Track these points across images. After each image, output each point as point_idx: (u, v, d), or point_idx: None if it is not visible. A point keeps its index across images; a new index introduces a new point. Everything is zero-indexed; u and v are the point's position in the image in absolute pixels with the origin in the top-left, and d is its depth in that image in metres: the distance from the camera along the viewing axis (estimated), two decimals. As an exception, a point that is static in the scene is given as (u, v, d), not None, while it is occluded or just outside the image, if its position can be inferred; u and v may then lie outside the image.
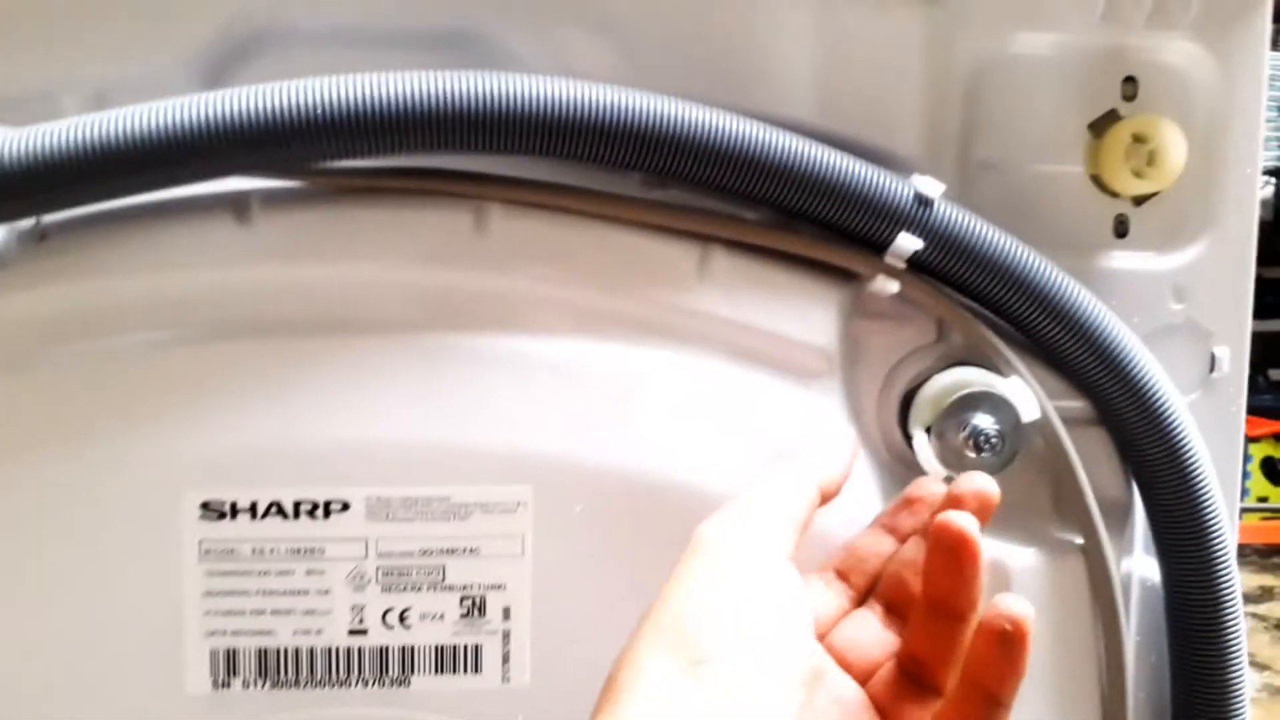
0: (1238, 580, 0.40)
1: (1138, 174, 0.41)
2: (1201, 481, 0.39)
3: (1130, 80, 0.42)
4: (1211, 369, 0.43)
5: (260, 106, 0.33)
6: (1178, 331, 0.42)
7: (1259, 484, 2.79)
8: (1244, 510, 2.69)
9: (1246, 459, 2.76)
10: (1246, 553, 2.12)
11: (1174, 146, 0.40)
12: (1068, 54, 0.41)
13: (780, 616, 0.29)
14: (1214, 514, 0.39)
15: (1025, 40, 0.41)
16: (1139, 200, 0.42)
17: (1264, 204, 3.17)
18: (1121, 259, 0.42)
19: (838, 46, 0.39)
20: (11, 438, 0.35)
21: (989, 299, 0.39)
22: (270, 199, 0.37)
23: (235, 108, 0.33)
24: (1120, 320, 0.40)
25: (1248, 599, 1.96)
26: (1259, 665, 1.61)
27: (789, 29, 0.39)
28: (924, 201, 0.38)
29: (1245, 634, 0.40)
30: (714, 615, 0.28)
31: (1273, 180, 3.09)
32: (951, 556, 0.30)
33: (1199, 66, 0.41)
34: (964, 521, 0.30)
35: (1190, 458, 0.39)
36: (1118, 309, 0.41)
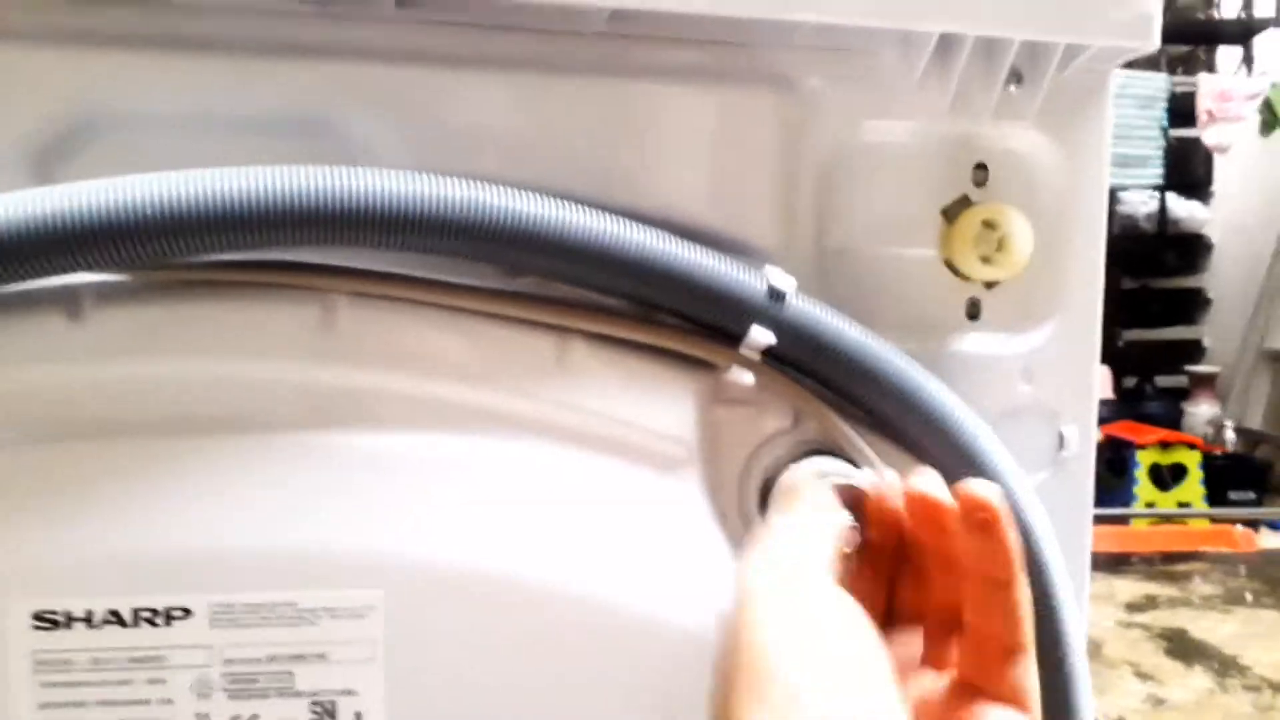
0: (1084, 657, 0.42)
1: (987, 260, 0.42)
2: (1047, 567, 0.40)
3: (981, 167, 0.43)
4: (1060, 447, 0.44)
5: (92, 204, 0.32)
6: (1027, 412, 0.44)
7: (1146, 489, 2.91)
8: (1131, 516, 2.80)
9: (1134, 465, 2.88)
10: (1133, 561, 2.20)
11: (1021, 234, 0.42)
12: (920, 141, 0.42)
13: (860, 644, 0.28)
14: (1058, 598, 0.41)
15: (877, 128, 0.42)
16: (990, 284, 0.43)
17: (1148, 217, 3.30)
18: (973, 341, 0.43)
19: (692, 138, 0.40)
20: None
21: (842, 388, 0.40)
22: (103, 294, 0.35)
23: (64, 205, 0.32)
24: (968, 406, 0.41)
25: (1132, 608, 2.05)
26: (1142, 675, 1.67)
27: (643, 122, 0.39)
28: (777, 295, 0.38)
29: None
30: (802, 660, 0.27)
31: (1157, 195, 3.24)
32: (982, 526, 0.30)
33: (1045, 154, 0.43)
34: (986, 489, 0.30)
35: (1036, 544, 0.40)
36: (969, 390, 0.42)
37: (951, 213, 0.43)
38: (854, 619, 0.29)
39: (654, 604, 0.38)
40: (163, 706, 0.35)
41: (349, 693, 0.36)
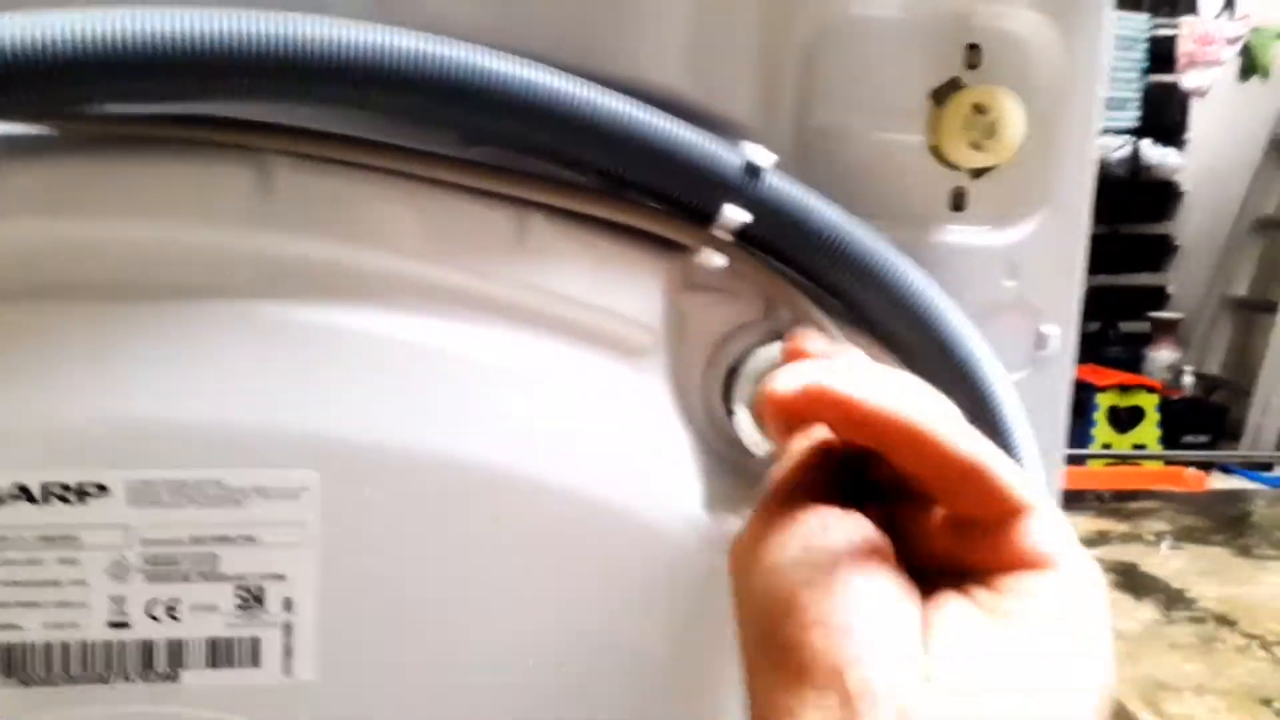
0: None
1: (977, 146, 0.40)
2: (1021, 462, 0.39)
3: (974, 48, 0.40)
4: (1041, 346, 0.42)
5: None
6: (1008, 308, 0.42)
7: (1103, 431, 2.94)
8: (1088, 457, 2.83)
9: (1093, 408, 2.91)
10: (1088, 498, 2.23)
11: (1013, 119, 0.39)
12: (910, 17, 0.39)
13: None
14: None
15: (867, 1, 0.39)
16: (977, 173, 0.41)
17: (1121, 163, 3.30)
18: (957, 233, 0.41)
19: (671, 6, 0.36)
20: None
21: (818, 274, 0.37)
22: (14, 148, 0.32)
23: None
24: (950, 298, 0.38)
25: (1085, 543, 2.07)
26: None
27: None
28: (754, 172, 0.35)
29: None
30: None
31: (1131, 139, 3.22)
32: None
33: (1041, 36, 0.40)
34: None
35: (1013, 441, 0.38)
36: (951, 283, 0.40)
37: (941, 95, 0.40)
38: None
39: (610, 491, 0.35)
40: (75, 588, 0.33)
41: (278, 577, 0.34)
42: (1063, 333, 0.42)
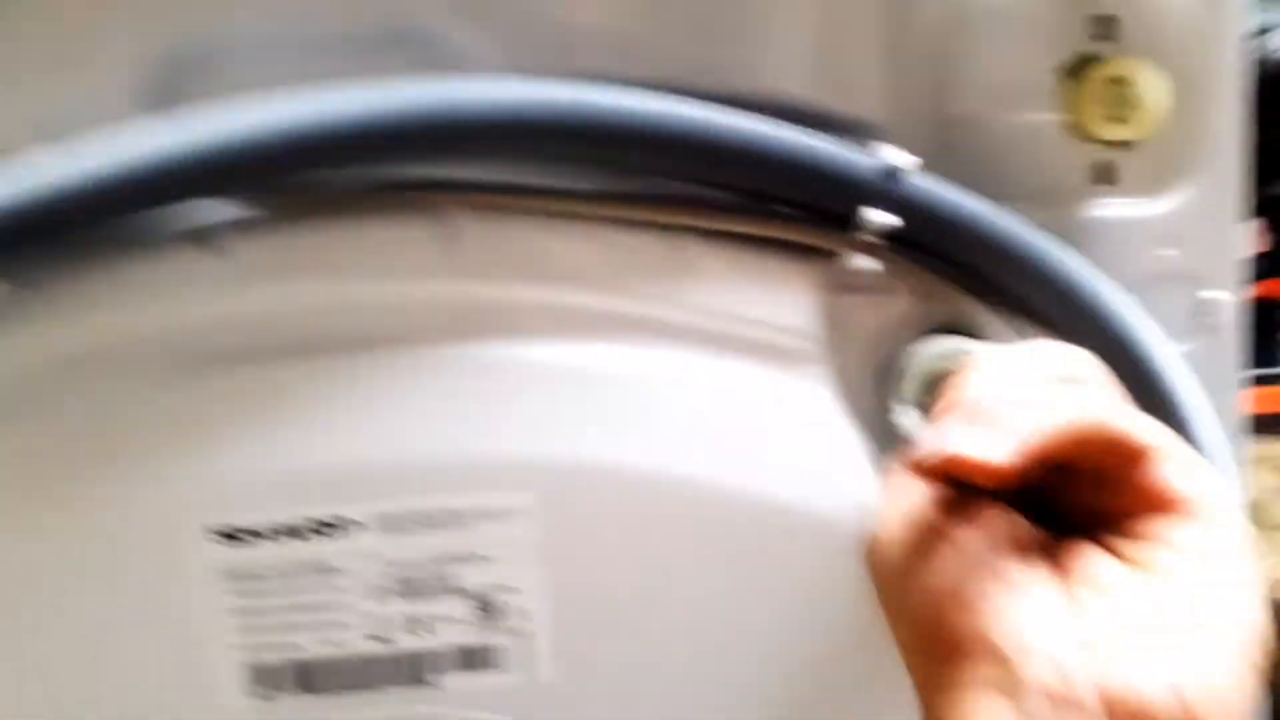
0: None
1: (1118, 119, 0.40)
2: (1200, 433, 0.39)
3: (1106, 20, 0.40)
4: (1206, 314, 0.42)
5: (214, 130, 0.33)
6: (1167, 278, 0.42)
7: None
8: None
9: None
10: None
11: (1155, 89, 0.40)
12: (1041, -3, 0.40)
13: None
14: (1216, 462, 0.39)
15: (994, -14, 0.40)
16: (1121, 146, 0.41)
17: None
18: (1106, 207, 0.42)
19: (794, 16, 0.39)
20: (16, 488, 0.36)
21: (970, 266, 0.39)
22: (237, 225, 0.37)
23: (188, 134, 0.33)
24: (1106, 274, 0.39)
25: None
26: None
27: (742, 3, 0.38)
28: (893, 175, 0.37)
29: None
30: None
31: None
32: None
33: (1178, 1, 0.40)
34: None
35: (1186, 410, 0.39)
36: (1104, 259, 0.41)
37: (1077, 71, 0.41)
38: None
39: (789, 492, 0.38)
40: (341, 610, 0.38)
41: (511, 589, 0.38)
42: (1227, 298, 0.42)
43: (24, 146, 0.35)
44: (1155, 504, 0.27)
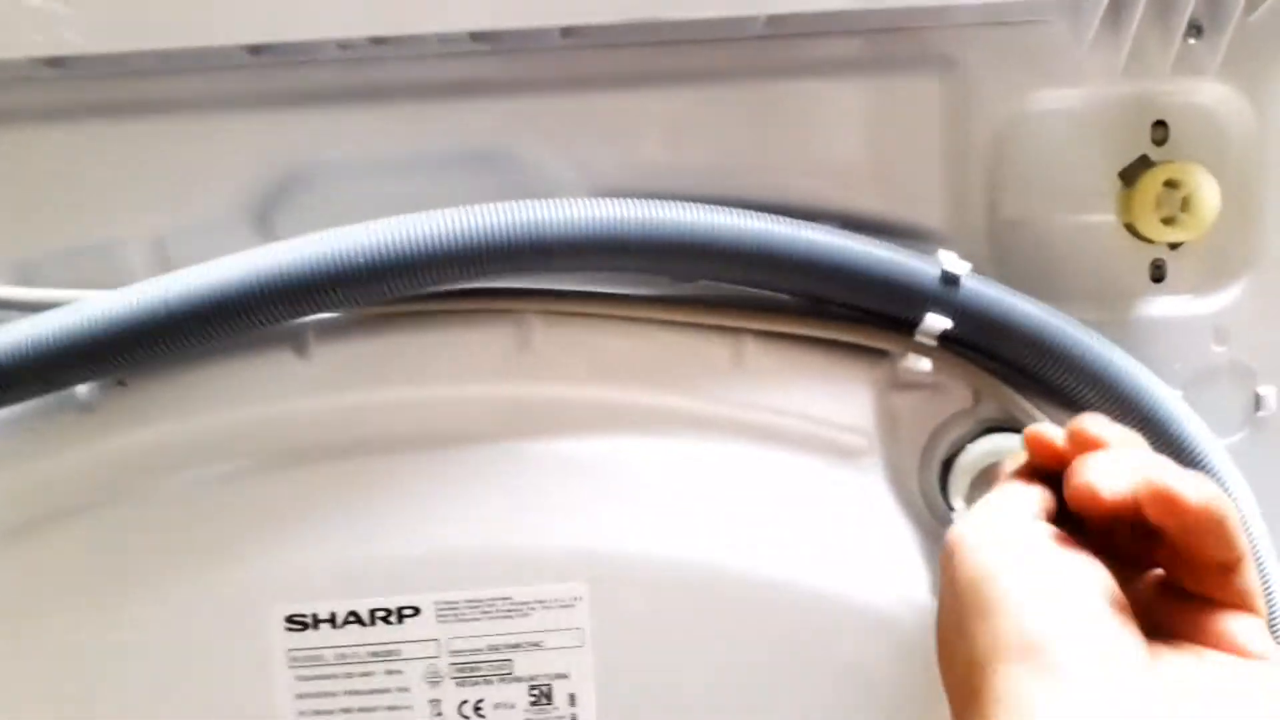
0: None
1: (1171, 221, 0.41)
2: (1244, 524, 0.39)
3: (1160, 124, 0.41)
4: (1258, 408, 0.43)
5: (313, 256, 0.35)
6: (1221, 373, 0.42)
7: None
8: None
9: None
10: None
11: (1207, 192, 0.40)
12: (1092, 106, 0.41)
13: (1094, 586, 0.28)
14: (1262, 557, 0.40)
15: (1046, 97, 0.41)
16: (1174, 245, 0.42)
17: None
18: (1160, 305, 0.42)
19: (854, 129, 0.40)
20: (104, 571, 0.38)
21: (1021, 365, 0.39)
22: (324, 330, 0.39)
23: (290, 260, 0.35)
24: (1154, 374, 0.40)
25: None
26: None
27: (805, 118, 0.40)
28: (950, 280, 0.38)
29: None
30: (1042, 606, 0.27)
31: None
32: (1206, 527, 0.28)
33: (1230, 108, 0.41)
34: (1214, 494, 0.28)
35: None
36: (1159, 354, 0.42)
37: (1130, 175, 0.41)
38: (1086, 564, 0.28)
39: (845, 586, 0.39)
40: (400, 694, 0.39)
41: (563, 676, 0.39)
42: (1279, 391, 0.42)
43: (143, 256, 0.39)
44: (1241, 601, 0.29)
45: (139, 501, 0.39)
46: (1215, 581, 0.29)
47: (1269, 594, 0.39)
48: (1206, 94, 0.41)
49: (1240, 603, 0.29)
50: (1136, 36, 0.39)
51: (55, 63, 0.38)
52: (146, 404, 0.39)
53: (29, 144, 0.40)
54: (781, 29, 0.39)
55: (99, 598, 0.39)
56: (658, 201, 0.37)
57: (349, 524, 0.39)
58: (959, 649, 0.29)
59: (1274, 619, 0.40)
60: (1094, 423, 0.32)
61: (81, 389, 0.38)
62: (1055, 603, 0.27)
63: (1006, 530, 0.30)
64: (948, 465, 0.40)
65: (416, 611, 0.39)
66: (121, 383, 0.39)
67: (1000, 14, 0.39)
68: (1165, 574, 0.30)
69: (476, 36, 0.38)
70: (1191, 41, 0.40)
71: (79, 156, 0.40)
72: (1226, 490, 0.39)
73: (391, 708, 0.39)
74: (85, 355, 0.36)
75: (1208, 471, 0.40)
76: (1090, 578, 0.28)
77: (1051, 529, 0.30)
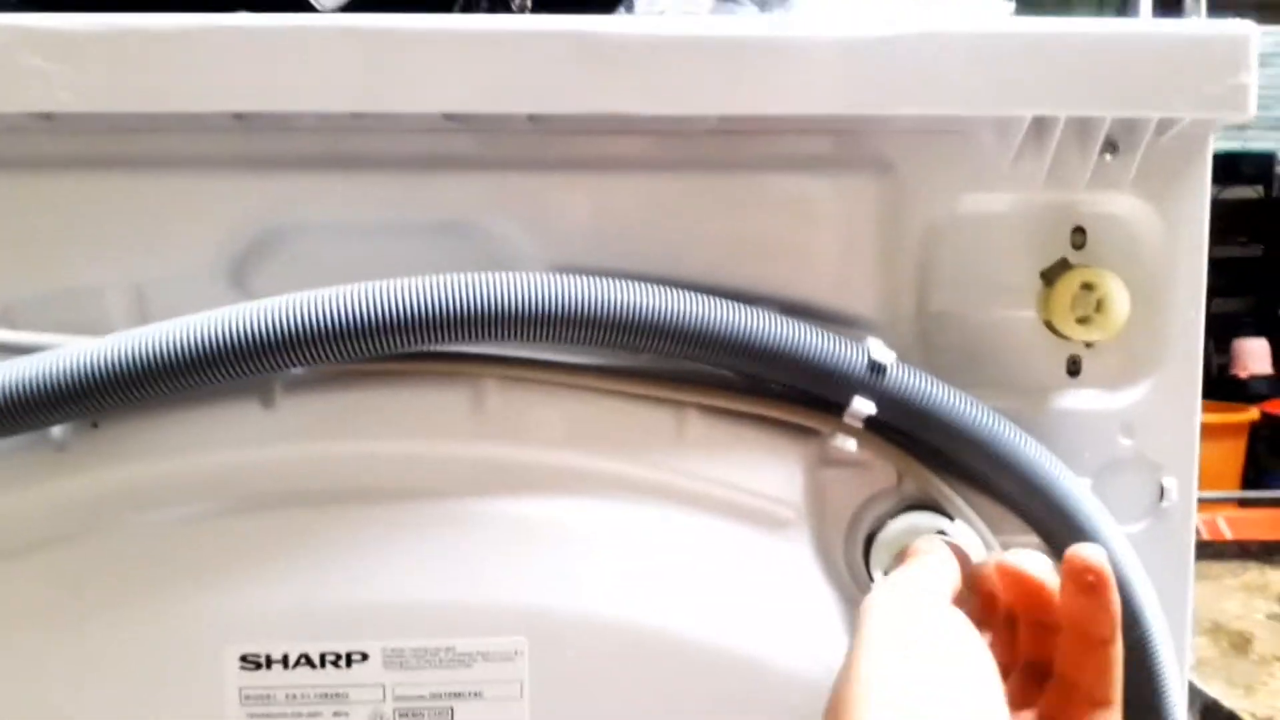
0: (1183, 700, 0.43)
1: (1086, 320, 0.44)
2: (1140, 612, 0.42)
3: (1079, 230, 0.45)
4: (1161, 498, 0.46)
5: (283, 317, 0.37)
6: (1127, 465, 0.46)
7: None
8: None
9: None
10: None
11: (1118, 297, 0.44)
12: (1017, 210, 0.44)
13: (984, 671, 0.31)
14: (1154, 641, 0.43)
15: (975, 200, 0.44)
16: (1089, 343, 0.45)
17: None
18: (1073, 398, 0.45)
19: (796, 221, 0.43)
20: (68, 604, 0.40)
21: (941, 450, 0.42)
22: (291, 384, 0.41)
23: (260, 320, 0.37)
24: (1064, 463, 0.43)
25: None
26: None
27: (751, 209, 0.43)
28: (877, 368, 0.41)
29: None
30: (932, 683, 0.30)
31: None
32: (1088, 588, 0.33)
33: (1143, 219, 0.44)
34: (1094, 553, 0.34)
35: (1130, 591, 0.42)
36: (1070, 443, 0.45)
37: (1050, 275, 0.45)
38: (972, 642, 0.32)
39: (772, 651, 0.42)
40: (346, 734, 0.41)
41: (500, 726, 0.41)
42: (1180, 484, 0.45)
43: (122, 305, 0.41)
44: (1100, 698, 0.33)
45: (104, 538, 0.40)
46: (1078, 662, 0.33)
47: (1160, 678, 0.43)
48: (1120, 205, 0.44)
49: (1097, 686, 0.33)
50: (1058, 151, 0.43)
51: (47, 117, 0.41)
52: (117, 446, 0.41)
53: (18, 191, 0.42)
54: (732, 126, 0.42)
55: (62, 629, 0.40)
56: (610, 280, 0.40)
57: (305, 570, 0.41)
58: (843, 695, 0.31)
59: (1165, 708, 0.43)
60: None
61: (55, 429, 0.40)
62: (936, 687, 0.30)
63: (916, 602, 0.33)
64: (870, 539, 0.43)
65: (365, 657, 0.41)
66: (94, 424, 0.41)
67: (935, 124, 0.42)
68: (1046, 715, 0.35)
69: (450, 116, 0.41)
70: (1108, 158, 0.43)
71: (65, 205, 0.42)
72: (1124, 575, 0.42)
73: (335, 747, 0.41)
74: (63, 398, 0.38)
75: (1111, 559, 0.42)
76: (977, 659, 0.31)
77: (954, 610, 0.33)
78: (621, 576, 0.42)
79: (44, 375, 0.38)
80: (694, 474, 0.42)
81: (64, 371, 0.38)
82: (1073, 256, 0.45)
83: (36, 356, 0.38)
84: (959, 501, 0.43)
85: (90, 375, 0.37)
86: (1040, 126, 0.42)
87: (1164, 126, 0.42)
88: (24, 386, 0.38)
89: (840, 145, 0.43)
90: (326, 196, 0.42)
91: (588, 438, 0.42)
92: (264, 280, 0.43)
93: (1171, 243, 0.44)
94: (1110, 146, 0.43)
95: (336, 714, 0.41)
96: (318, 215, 0.42)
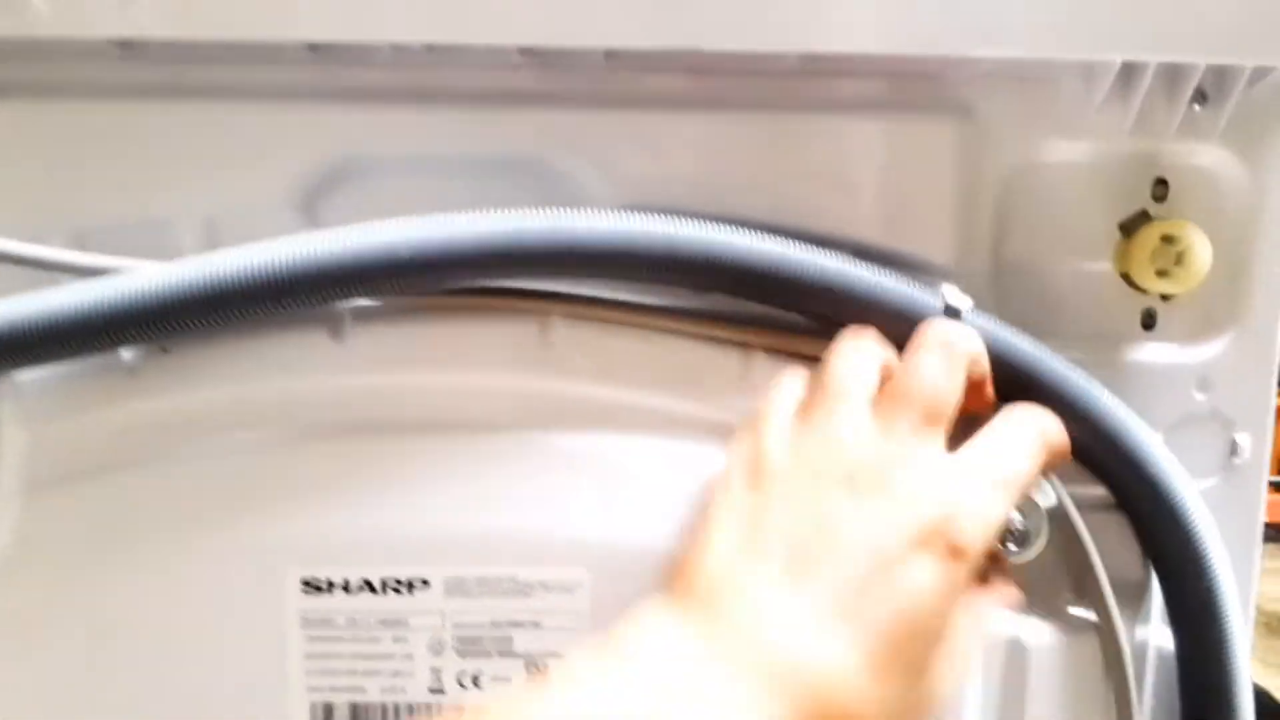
0: (1248, 658, 0.43)
1: (1165, 273, 0.43)
2: (1210, 567, 0.42)
3: (1161, 182, 0.43)
4: (1233, 454, 0.45)
5: (353, 247, 0.38)
6: (1201, 419, 0.45)
7: None
8: None
9: None
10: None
11: (1200, 249, 0.42)
12: (1099, 159, 0.43)
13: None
14: (1222, 596, 0.42)
15: (1056, 148, 0.43)
16: (1166, 297, 0.44)
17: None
18: (1148, 351, 0.44)
19: (874, 165, 0.42)
20: (139, 526, 0.41)
21: (1012, 398, 0.42)
22: (360, 316, 0.41)
23: (334, 248, 0.38)
24: (1138, 415, 0.42)
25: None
26: None
27: (829, 152, 0.42)
28: (952, 312, 0.40)
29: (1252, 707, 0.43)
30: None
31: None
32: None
33: (1229, 171, 0.43)
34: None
35: (1200, 545, 0.42)
36: (1143, 397, 0.44)
37: (1130, 227, 0.44)
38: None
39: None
40: (404, 660, 0.42)
41: (558, 656, 0.42)
42: (1254, 441, 0.45)
43: (193, 234, 0.42)
44: None
45: (172, 462, 0.41)
46: None
47: (1225, 631, 0.42)
48: (1207, 157, 0.43)
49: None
50: (1145, 100, 0.41)
51: (125, 44, 0.41)
52: (187, 371, 0.41)
53: (92, 119, 0.42)
54: (812, 66, 0.41)
55: (126, 551, 0.41)
56: (680, 219, 0.39)
57: (369, 497, 0.41)
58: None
59: (1229, 659, 0.42)
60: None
61: (126, 353, 0.41)
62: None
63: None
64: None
65: (426, 584, 0.41)
66: (165, 349, 0.41)
67: (1018, 69, 0.41)
68: None
69: (524, 51, 0.41)
70: (1196, 108, 0.42)
71: (139, 134, 0.42)
72: (1197, 532, 0.42)
73: (395, 673, 0.42)
74: (135, 321, 0.38)
75: (1182, 512, 0.42)
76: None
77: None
78: (679, 513, 0.41)
79: (115, 297, 0.38)
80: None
81: (135, 293, 0.38)
82: (1153, 209, 0.44)
83: (107, 279, 0.39)
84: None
85: (164, 297, 0.38)
86: (1129, 73, 0.41)
87: (1257, 76, 0.41)
88: (95, 308, 0.38)
89: (920, 88, 0.42)
90: (399, 130, 0.42)
91: (652, 376, 0.42)
92: (334, 213, 0.43)
93: (1257, 197, 0.43)
94: (1200, 96, 0.42)
95: (396, 639, 0.42)
96: (390, 149, 0.42)
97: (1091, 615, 0.44)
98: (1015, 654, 0.43)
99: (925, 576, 0.32)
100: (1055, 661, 0.43)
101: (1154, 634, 0.45)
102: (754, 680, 0.30)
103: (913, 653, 0.32)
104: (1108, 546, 0.43)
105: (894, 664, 0.31)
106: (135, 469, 0.41)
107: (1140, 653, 0.45)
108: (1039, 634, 0.43)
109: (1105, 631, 0.43)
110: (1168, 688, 0.45)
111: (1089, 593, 0.44)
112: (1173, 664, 0.45)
